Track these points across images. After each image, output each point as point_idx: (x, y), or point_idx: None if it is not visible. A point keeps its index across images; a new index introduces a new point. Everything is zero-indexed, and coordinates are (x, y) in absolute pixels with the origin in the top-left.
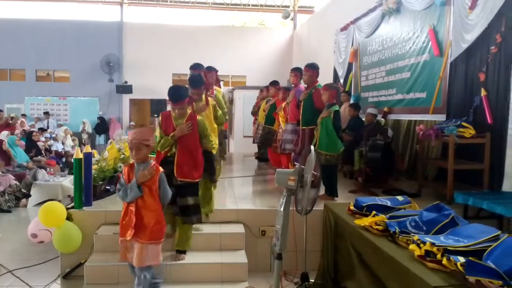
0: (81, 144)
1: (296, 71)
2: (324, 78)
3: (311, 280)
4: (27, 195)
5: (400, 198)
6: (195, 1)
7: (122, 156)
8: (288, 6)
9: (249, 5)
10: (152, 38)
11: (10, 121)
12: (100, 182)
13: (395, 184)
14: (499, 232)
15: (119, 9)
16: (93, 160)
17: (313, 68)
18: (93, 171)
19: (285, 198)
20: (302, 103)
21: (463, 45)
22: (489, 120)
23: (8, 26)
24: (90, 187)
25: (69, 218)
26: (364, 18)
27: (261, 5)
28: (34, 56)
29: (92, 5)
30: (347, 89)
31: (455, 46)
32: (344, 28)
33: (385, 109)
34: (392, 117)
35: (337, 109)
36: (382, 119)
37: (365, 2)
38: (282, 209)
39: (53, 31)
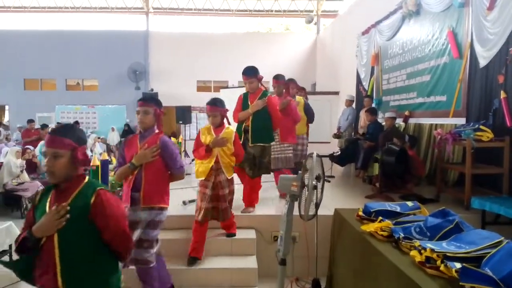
0: (109, 151)
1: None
2: (347, 81)
3: (322, 286)
4: None
5: (410, 203)
6: (219, 9)
7: None
8: (312, 11)
9: (272, 11)
10: (177, 46)
11: (42, 130)
12: (118, 188)
13: (415, 189)
14: (502, 238)
15: (145, 18)
16: (111, 166)
17: None
18: (110, 177)
19: (288, 204)
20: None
21: (487, 53)
22: (508, 123)
23: (39, 38)
24: None
25: None
26: (385, 21)
27: (285, 11)
28: (64, 66)
29: (118, 15)
30: (369, 93)
31: (479, 49)
32: (365, 32)
33: (406, 112)
34: (413, 121)
35: None
36: (403, 123)
37: (386, 5)
38: (285, 214)
39: (82, 41)
